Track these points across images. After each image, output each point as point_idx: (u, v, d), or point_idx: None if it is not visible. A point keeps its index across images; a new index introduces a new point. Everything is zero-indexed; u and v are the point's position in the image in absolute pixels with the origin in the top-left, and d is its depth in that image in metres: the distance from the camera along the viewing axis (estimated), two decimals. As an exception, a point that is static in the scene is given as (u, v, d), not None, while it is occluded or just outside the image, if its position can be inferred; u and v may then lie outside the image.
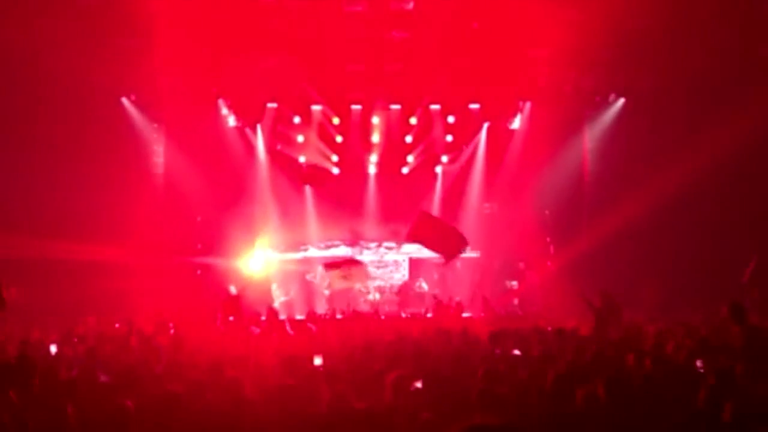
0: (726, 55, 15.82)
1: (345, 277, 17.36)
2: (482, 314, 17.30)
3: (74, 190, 16.53)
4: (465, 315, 17.21)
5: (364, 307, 19.05)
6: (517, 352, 8.04)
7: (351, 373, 6.78)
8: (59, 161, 16.38)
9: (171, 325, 12.86)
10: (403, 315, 18.63)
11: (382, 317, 17.20)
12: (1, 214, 14.99)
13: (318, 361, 7.25)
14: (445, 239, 15.49)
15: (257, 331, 12.62)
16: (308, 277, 21.29)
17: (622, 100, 19.77)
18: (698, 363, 6.94)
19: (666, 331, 10.40)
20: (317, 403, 5.38)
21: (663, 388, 5.87)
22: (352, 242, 21.48)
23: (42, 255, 14.78)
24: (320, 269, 19.92)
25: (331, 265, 18.02)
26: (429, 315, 17.76)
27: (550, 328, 11.15)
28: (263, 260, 18.98)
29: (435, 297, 18.52)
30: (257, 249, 18.76)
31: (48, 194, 16.08)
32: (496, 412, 4.85)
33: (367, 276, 19.17)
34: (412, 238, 16.56)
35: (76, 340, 11.11)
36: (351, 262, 18.04)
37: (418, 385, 5.60)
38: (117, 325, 13.79)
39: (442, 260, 17.22)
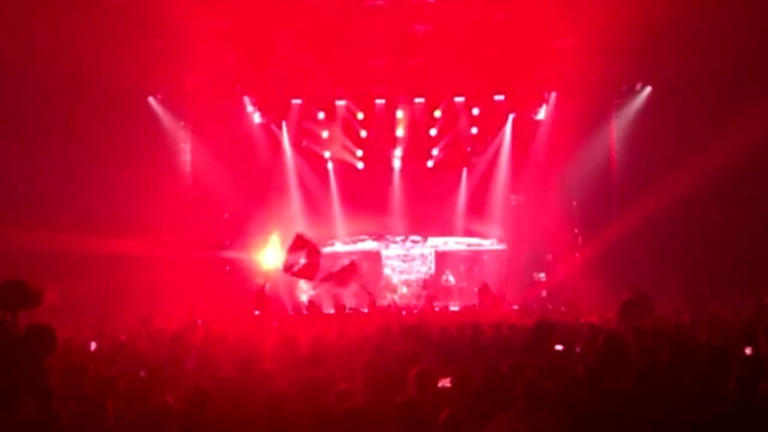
0: (754, 41, 15.49)
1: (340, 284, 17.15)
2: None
3: (103, 188, 16.71)
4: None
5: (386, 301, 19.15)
6: (559, 347, 7.91)
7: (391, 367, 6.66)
8: (87, 160, 16.52)
9: (199, 321, 12.97)
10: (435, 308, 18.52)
11: (415, 311, 17.17)
12: (31, 211, 15.20)
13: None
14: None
15: (275, 324, 12.71)
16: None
17: (648, 89, 19.47)
18: (747, 351, 6.84)
19: (699, 320, 10.27)
20: (350, 397, 5.38)
21: (699, 376, 5.79)
22: (378, 237, 21.50)
23: (72, 251, 14.95)
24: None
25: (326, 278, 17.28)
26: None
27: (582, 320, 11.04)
28: (278, 255, 19.09)
29: (480, 289, 18.17)
30: (271, 244, 18.86)
31: (76, 191, 16.25)
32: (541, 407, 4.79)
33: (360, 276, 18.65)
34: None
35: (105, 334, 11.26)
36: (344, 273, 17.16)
37: (447, 383, 5.50)
38: (147, 321, 13.94)
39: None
